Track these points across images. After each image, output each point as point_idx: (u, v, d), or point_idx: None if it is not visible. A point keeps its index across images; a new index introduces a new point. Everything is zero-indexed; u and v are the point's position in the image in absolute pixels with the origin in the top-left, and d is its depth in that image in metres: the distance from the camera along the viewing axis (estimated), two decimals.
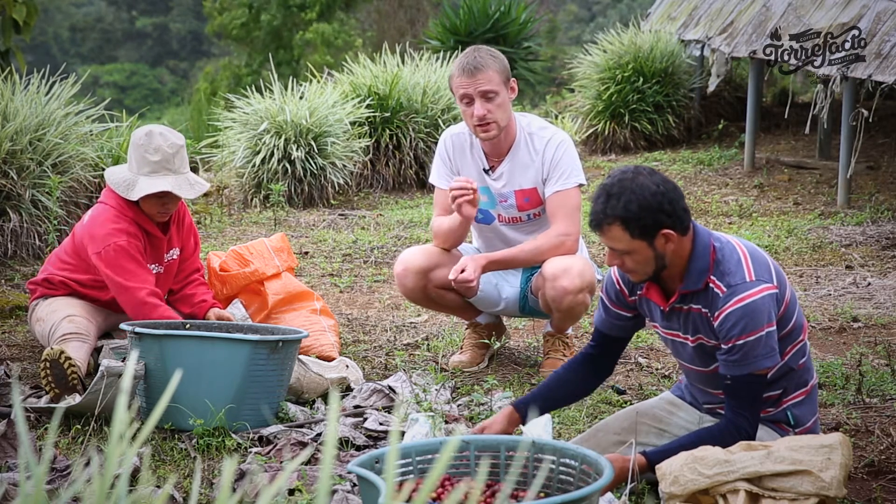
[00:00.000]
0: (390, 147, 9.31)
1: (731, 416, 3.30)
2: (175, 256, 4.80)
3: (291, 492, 3.45)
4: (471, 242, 4.91)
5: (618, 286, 3.53)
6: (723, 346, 3.27)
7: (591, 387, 3.67)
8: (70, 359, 4.20)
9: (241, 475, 3.61)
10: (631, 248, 3.22)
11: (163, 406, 1.65)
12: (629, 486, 3.39)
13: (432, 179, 4.75)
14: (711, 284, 3.28)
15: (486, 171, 4.62)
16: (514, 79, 4.56)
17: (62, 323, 4.53)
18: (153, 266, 4.69)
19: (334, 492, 3.40)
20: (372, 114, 9.21)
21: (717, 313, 3.26)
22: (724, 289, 3.25)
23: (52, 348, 4.23)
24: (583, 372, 3.61)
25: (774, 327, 3.26)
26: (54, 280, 4.72)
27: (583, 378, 3.61)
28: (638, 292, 3.48)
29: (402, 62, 9.82)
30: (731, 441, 3.24)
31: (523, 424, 3.49)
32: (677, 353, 3.52)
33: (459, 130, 4.66)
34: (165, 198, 4.58)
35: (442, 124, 9.26)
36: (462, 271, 4.36)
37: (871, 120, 8.13)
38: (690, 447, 3.25)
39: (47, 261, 4.85)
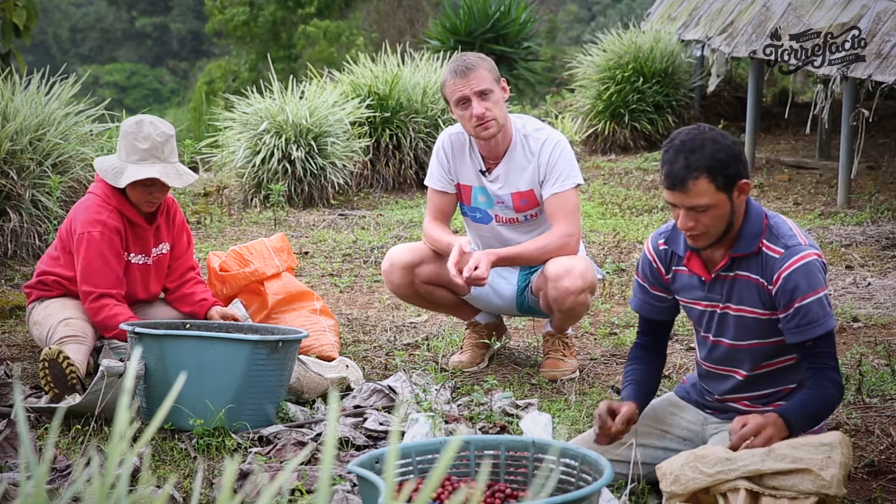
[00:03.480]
0: (390, 147, 9.31)
1: (821, 371, 3.27)
2: (165, 251, 4.79)
3: (291, 492, 3.45)
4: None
5: (655, 264, 3.49)
6: (787, 312, 3.25)
7: (661, 371, 3.62)
8: (68, 358, 4.19)
9: (241, 475, 3.61)
10: (714, 202, 3.20)
11: (166, 408, 1.65)
12: (629, 487, 3.40)
13: (427, 181, 4.76)
14: (765, 248, 3.28)
15: (482, 173, 4.63)
16: (504, 79, 4.57)
17: (58, 327, 4.53)
18: (139, 257, 4.68)
19: (334, 492, 3.40)
20: (372, 114, 9.21)
21: (776, 277, 3.26)
22: (781, 250, 3.26)
23: (50, 348, 4.23)
24: (650, 358, 3.58)
25: (827, 291, 3.28)
26: (48, 280, 4.72)
27: (654, 362, 3.58)
28: (674, 268, 3.46)
29: (402, 62, 9.82)
30: (834, 392, 3.25)
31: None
32: (708, 328, 3.46)
33: (459, 130, 4.67)
34: (153, 186, 4.57)
35: (442, 124, 9.26)
36: (475, 268, 4.34)
37: (871, 120, 8.14)
38: (809, 407, 3.23)
39: (39, 261, 4.85)
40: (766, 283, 3.29)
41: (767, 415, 3.21)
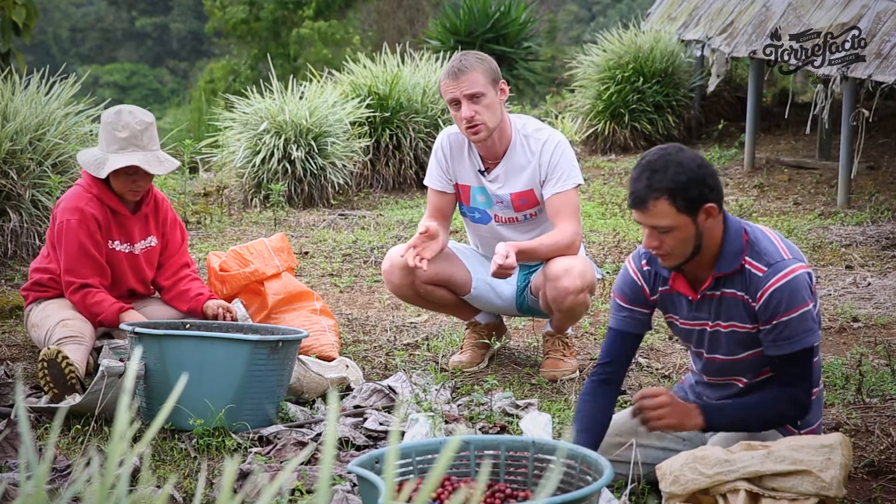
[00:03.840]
0: (390, 147, 9.31)
1: (785, 386, 3.28)
2: (153, 244, 4.79)
3: (291, 492, 3.45)
4: (466, 243, 4.91)
5: (639, 283, 3.47)
6: (766, 326, 3.26)
7: (614, 402, 3.56)
8: (67, 358, 4.19)
9: (241, 475, 3.61)
10: (675, 224, 3.19)
11: (168, 409, 1.65)
12: (629, 487, 3.40)
13: (426, 180, 4.76)
14: (747, 266, 3.28)
15: (481, 173, 4.62)
16: (503, 80, 4.54)
17: (56, 328, 4.53)
18: (124, 245, 4.69)
19: (334, 492, 3.40)
20: (372, 114, 9.21)
21: (759, 294, 3.25)
22: (764, 268, 3.25)
23: (48, 348, 4.23)
24: (605, 396, 3.50)
25: (812, 305, 3.27)
26: (43, 280, 4.73)
27: (608, 400, 3.51)
28: (660, 289, 3.45)
29: (402, 62, 9.82)
30: (786, 408, 3.26)
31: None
32: (700, 344, 3.46)
33: (458, 130, 4.66)
34: (135, 174, 4.58)
35: (442, 124, 9.26)
36: (506, 256, 4.30)
37: (871, 120, 8.14)
38: (744, 414, 3.26)
39: (34, 261, 4.86)
40: (750, 300, 3.29)
41: (687, 405, 3.26)
